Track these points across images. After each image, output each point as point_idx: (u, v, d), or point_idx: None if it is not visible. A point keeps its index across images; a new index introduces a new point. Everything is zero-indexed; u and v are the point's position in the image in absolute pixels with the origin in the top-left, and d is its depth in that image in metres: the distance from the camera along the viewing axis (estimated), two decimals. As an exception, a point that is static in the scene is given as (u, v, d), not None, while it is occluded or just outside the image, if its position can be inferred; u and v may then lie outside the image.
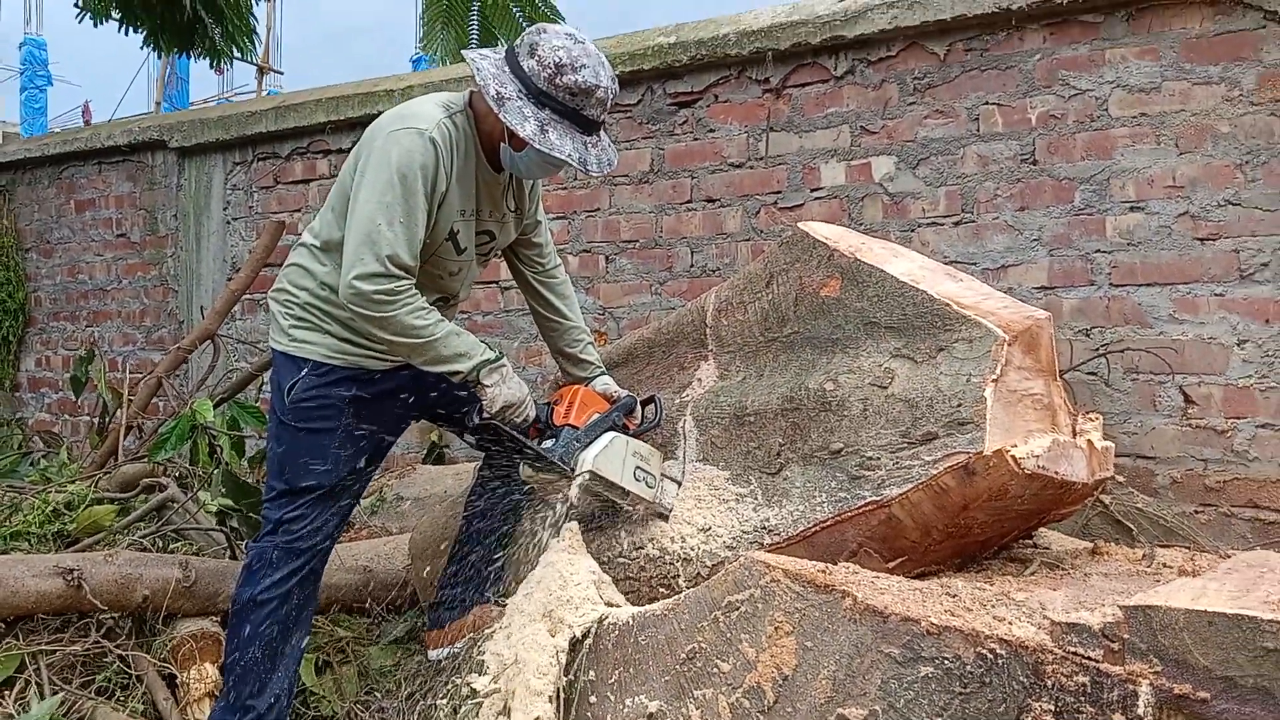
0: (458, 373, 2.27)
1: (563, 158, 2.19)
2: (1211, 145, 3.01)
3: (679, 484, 2.51)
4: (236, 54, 6.70)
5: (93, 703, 2.43)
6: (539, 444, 2.36)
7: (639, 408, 2.59)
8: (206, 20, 6.08)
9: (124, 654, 2.56)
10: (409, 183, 2.17)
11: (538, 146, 2.17)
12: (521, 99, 2.19)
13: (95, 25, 6.17)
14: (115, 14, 6.00)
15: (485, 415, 2.31)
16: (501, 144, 2.29)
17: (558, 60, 2.17)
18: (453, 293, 2.49)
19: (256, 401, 3.87)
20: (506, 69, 2.22)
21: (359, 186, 2.21)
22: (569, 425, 2.38)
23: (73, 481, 3.41)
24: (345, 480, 2.36)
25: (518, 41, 2.26)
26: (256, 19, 6.63)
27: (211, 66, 6.64)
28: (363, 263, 2.15)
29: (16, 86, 16.77)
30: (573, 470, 2.31)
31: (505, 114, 2.16)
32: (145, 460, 3.48)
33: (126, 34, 6.14)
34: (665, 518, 2.46)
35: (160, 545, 3.03)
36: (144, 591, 2.55)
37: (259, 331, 4.97)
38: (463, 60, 5.67)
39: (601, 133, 2.31)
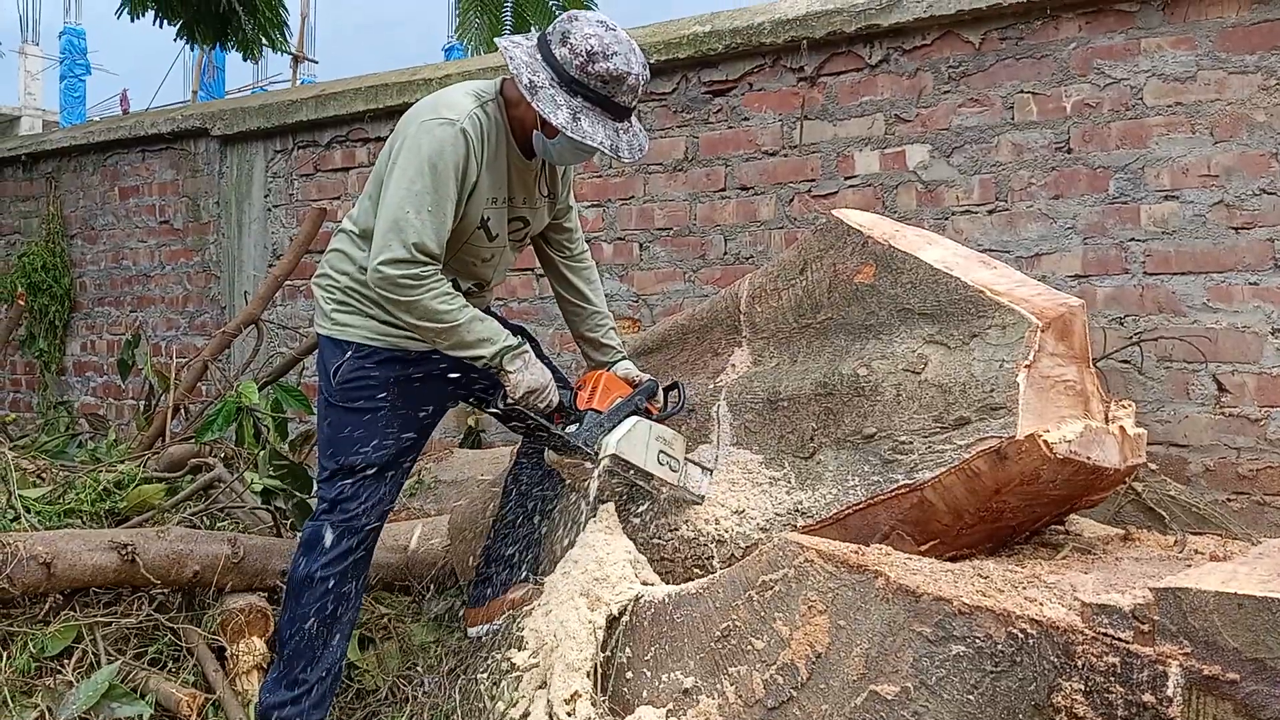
0: (481, 357, 2.32)
1: (595, 145, 2.23)
2: (1247, 134, 3.00)
3: (707, 470, 2.54)
4: (267, 46, 6.77)
5: (146, 673, 2.51)
6: (563, 429, 2.40)
7: (661, 393, 2.62)
8: (240, 13, 6.17)
9: (175, 627, 2.64)
10: (439, 173, 2.22)
11: (570, 134, 2.20)
12: (554, 87, 2.22)
13: (133, 20, 6.27)
14: (152, 7, 6.10)
15: (509, 401, 2.36)
16: (534, 131, 2.33)
17: (589, 48, 2.20)
18: (486, 279, 2.54)
19: (299, 385, 3.96)
20: (539, 56, 2.26)
21: (390, 174, 2.27)
22: (592, 410, 2.41)
23: (121, 462, 3.50)
24: (393, 458, 2.42)
25: (549, 29, 2.29)
26: (287, 10, 6.70)
27: (245, 59, 6.73)
28: (390, 249, 2.21)
29: (56, 75, 17.00)
30: (596, 454, 2.34)
31: (538, 102, 2.20)
32: (192, 441, 3.56)
33: (161, 26, 6.25)
34: (690, 502, 2.50)
35: (208, 523, 3.11)
36: (194, 567, 2.63)
37: (300, 317, 5.06)
38: (496, 49, 5.72)
39: (633, 119, 2.34)
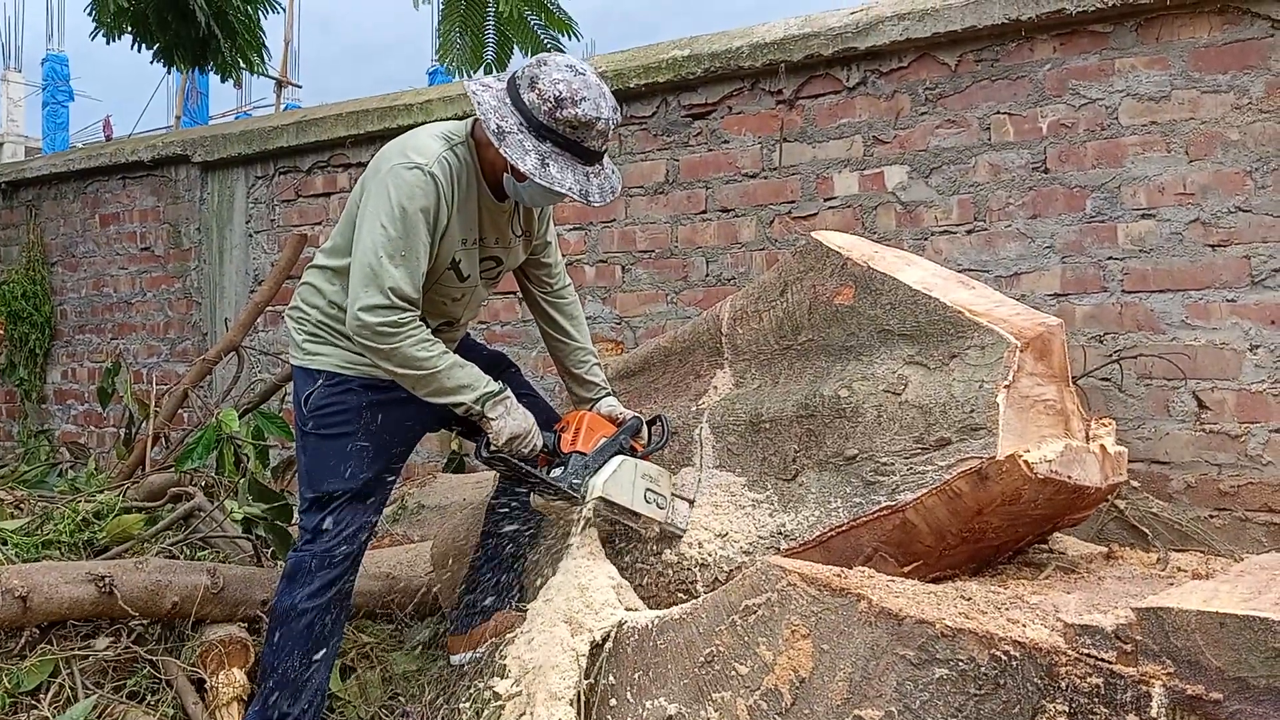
0: (461, 404, 2.31)
1: (563, 191, 2.22)
2: (1221, 153, 3.03)
3: (691, 502, 2.53)
4: (245, 69, 6.75)
5: (124, 706, 2.48)
6: (547, 473, 2.38)
7: (645, 428, 2.60)
8: (219, 36, 6.15)
9: (154, 659, 2.60)
10: (409, 218, 2.22)
11: (538, 180, 2.20)
12: (522, 132, 2.21)
13: (108, 42, 6.24)
14: (129, 30, 6.07)
15: (492, 448, 2.35)
16: (505, 174, 2.33)
17: (558, 94, 2.20)
18: (455, 317, 2.54)
19: (280, 412, 3.93)
20: (508, 101, 2.25)
21: (362, 220, 2.27)
22: (577, 451, 2.40)
23: (101, 491, 3.47)
24: (370, 484, 2.41)
25: (519, 73, 2.28)
26: (265, 33, 6.69)
27: (223, 81, 6.70)
28: (367, 294, 2.21)
29: (39, 102, 16.96)
30: (583, 497, 2.34)
31: (506, 148, 2.19)
32: (172, 470, 3.53)
33: (139, 50, 6.21)
34: (678, 538, 2.49)
35: (188, 553, 3.07)
36: (173, 598, 2.60)
37: (281, 343, 5.04)
38: (479, 67, 5.72)
39: (604, 160, 2.33)
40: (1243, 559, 2.35)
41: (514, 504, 2.66)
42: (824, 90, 3.71)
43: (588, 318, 2.80)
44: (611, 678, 2.12)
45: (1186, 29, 3.08)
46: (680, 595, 2.41)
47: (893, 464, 2.23)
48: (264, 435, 3.51)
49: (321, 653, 2.38)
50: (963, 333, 2.27)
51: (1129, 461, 2.42)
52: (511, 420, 2.34)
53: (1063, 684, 1.59)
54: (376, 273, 2.21)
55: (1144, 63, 3.14)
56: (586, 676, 2.11)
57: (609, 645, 2.14)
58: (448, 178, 2.27)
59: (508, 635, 2.34)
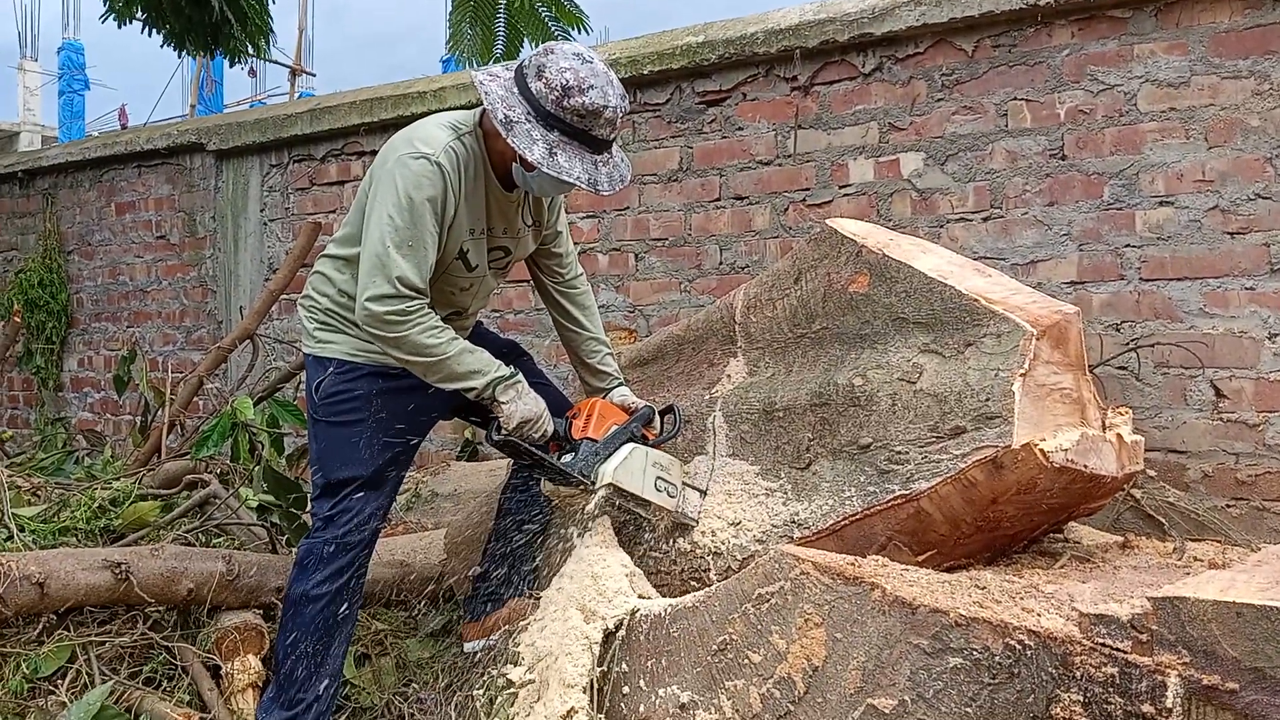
0: (472, 389, 2.31)
1: (572, 180, 2.21)
2: (1241, 139, 3.00)
3: (702, 493, 2.53)
4: (253, 53, 6.77)
5: (140, 693, 2.49)
6: (558, 458, 2.38)
7: (657, 417, 2.60)
8: (232, 21, 6.16)
9: (170, 645, 2.62)
10: (416, 208, 2.22)
11: (546, 170, 2.19)
12: (530, 121, 2.21)
13: (119, 26, 6.24)
14: (140, 15, 6.07)
15: (503, 432, 2.35)
16: (513, 164, 2.32)
17: (564, 82, 2.19)
18: (464, 307, 2.53)
19: (294, 400, 3.95)
20: (515, 90, 2.24)
21: (370, 210, 2.28)
22: (588, 438, 2.39)
23: (117, 479, 3.49)
24: (381, 471, 2.42)
25: (526, 62, 2.28)
26: (273, 18, 6.72)
27: (231, 65, 6.72)
28: (375, 284, 2.22)
29: (55, 90, 17.04)
30: (593, 484, 2.33)
31: (513, 138, 2.18)
32: (187, 457, 3.55)
33: (150, 34, 6.21)
34: (689, 527, 2.48)
35: (203, 540, 3.09)
36: (189, 584, 2.61)
37: (296, 331, 5.05)
38: (489, 59, 5.71)
39: (613, 148, 2.32)
40: (1260, 549, 2.33)
41: (527, 492, 2.67)
42: (839, 76, 3.68)
43: (601, 306, 2.80)
44: (624, 665, 2.12)
45: (1207, 14, 3.04)
46: (693, 583, 2.41)
47: (907, 452, 2.22)
48: (279, 423, 3.53)
49: (335, 639, 2.39)
50: (978, 321, 2.26)
51: (1145, 450, 2.40)
52: (523, 404, 2.34)
53: (1077, 673, 1.58)
54: (384, 263, 2.21)
55: (1163, 48, 3.11)
56: (599, 664, 2.11)
57: (622, 633, 2.14)
58: (454, 167, 2.27)
59: (521, 623, 2.35)
